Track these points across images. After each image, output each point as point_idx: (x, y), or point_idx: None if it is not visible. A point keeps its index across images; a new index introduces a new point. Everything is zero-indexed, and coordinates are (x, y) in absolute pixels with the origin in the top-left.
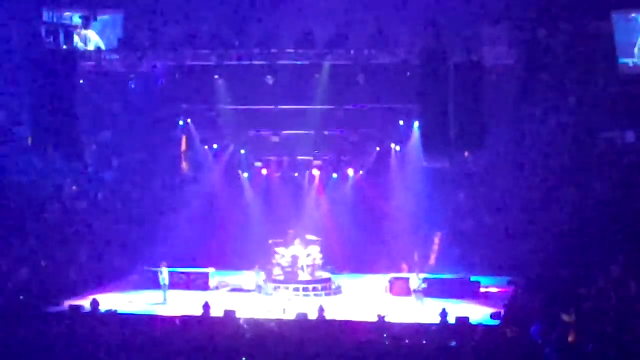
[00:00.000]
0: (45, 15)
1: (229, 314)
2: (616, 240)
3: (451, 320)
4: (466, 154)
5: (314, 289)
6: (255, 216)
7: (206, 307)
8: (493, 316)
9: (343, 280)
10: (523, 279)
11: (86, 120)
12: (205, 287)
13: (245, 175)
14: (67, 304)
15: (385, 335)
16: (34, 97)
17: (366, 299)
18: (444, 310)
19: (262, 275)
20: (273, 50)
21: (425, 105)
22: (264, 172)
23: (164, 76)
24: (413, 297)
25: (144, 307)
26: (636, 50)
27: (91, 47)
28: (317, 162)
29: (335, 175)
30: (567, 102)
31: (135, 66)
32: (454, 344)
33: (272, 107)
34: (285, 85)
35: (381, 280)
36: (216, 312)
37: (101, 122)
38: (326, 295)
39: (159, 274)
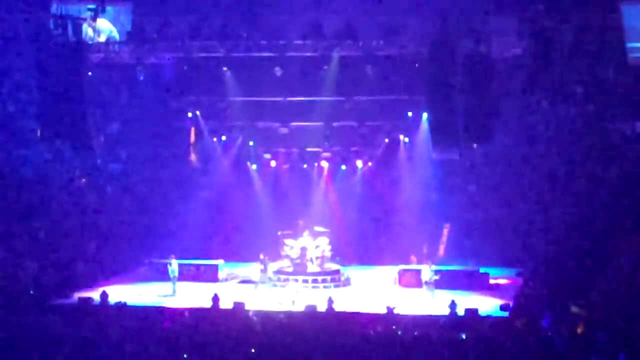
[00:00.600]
0: (54, 7)
1: (238, 306)
2: (626, 231)
3: (460, 311)
4: (475, 145)
5: (323, 281)
6: (263, 208)
7: (215, 298)
8: (502, 307)
9: (352, 272)
10: (532, 271)
11: (94, 112)
12: (214, 278)
13: (254, 166)
14: (77, 296)
15: (394, 327)
16: (42, 89)
17: (375, 290)
18: (453, 301)
19: (271, 266)
20: (281, 42)
21: (434, 97)
22: (273, 163)
23: (172, 68)
24: (424, 289)
25: (153, 299)
26: None
27: (103, 38)
28: (326, 154)
29: (343, 167)
30: (576, 93)
31: (144, 58)
32: (463, 335)
33: (281, 98)
34: (294, 77)
35: (390, 272)
36: (225, 303)
37: (109, 114)
38: (335, 286)
39: (168, 265)
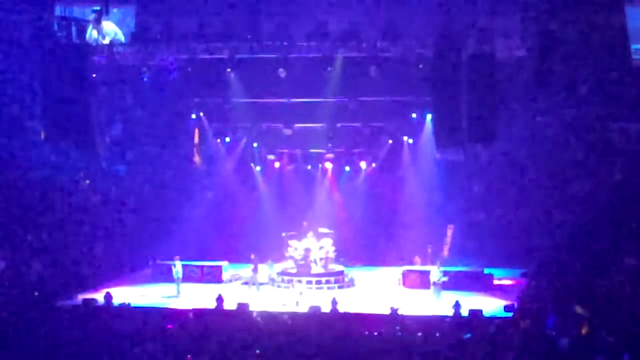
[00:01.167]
0: (58, 9)
1: (242, 307)
2: (630, 232)
3: (464, 312)
4: (479, 146)
5: (327, 282)
6: (267, 209)
7: (219, 299)
8: (506, 308)
9: (356, 273)
10: (536, 271)
11: (99, 113)
12: (218, 280)
13: (258, 168)
14: (81, 297)
15: (397, 328)
16: (46, 90)
17: (379, 291)
18: (457, 302)
19: (275, 267)
20: (285, 43)
21: (438, 98)
22: (277, 165)
23: (176, 69)
24: (431, 290)
25: (157, 300)
26: None
27: (107, 41)
28: (330, 155)
29: (347, 168)
30: (580, 93)
31: (148, 59)
32: (467, 336)
33: (285, 100)
34: (298, 78)
35: (394, 273)
36: (229, 304)
37: (114, 115)
38: (339, 287)
39: (172, 267)
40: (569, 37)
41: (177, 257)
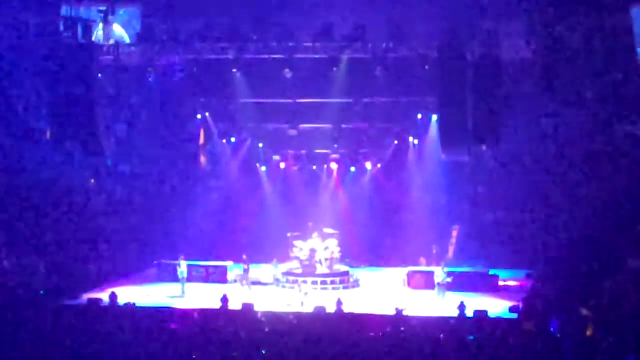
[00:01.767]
0: (64, 9)
1: (247, 307)
2: (635, 234)
3: (469, 313)
4: (484, 147)
5: (332, 282)
6: (272, 209)
7: (224, 300)
8: (511, 309)
9: (361, 273)
10: (541, 272)
11: (104, 113)
12: (223, 280)
13: (263, 168)
14: (86, 297)
15: (402, 329)
16: (52, 91)
17: (384, 292)
18: (461, 303)
19: (280, 267)
20: (291, 44)
21: (443, 99)
22: (282, 165)
23: (182, 70)
24: (435, 290)
25: (162, 300)
26: None
27: (113, 41)
28: (335, 155)
29: (352, 169)
30: (586, 96)
31: (153, 60)
32: (471, 337)
33: (290, 100)
34: (303, 79)
35: (399, 273)
36: (234, 305)
37: (119, 115)
38: (344, 288)
39: (177, 266)
40: (574, 39)
41: (182, 256)
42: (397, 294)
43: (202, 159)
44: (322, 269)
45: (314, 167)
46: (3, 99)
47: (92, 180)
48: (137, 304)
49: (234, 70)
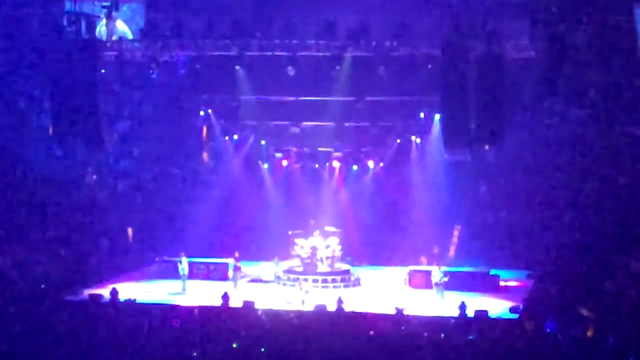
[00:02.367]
0: (67, 5)
1: (248, 305)
2: (636, 235)
3: (470, 313)
4: (486, 146)
5: (333, 281)
6: (274, 207)
7: (225, 297)
8: (512, 310)
9: (362, 272)
10: (542, 273)
11: (107, 109)
12: (224, 277)
13: (265, 166)
14: (87, 292)
15: (403, 328)
16: (55, 86)
17: (385, 291)
18: (462, 303)
19: (281, 265)
20: (294, 41)
21: (446, 98)
22: (284, 163)
23: (185, 66)
24: (434, 290)
25: (163, 296)
26: None
27: (116, 37)
28: (337, 154)
29: (355, 167)
30: (589, 95)
31: (157, 56)
32: (472, 337)
33: (293, 98)
34: (306, 77)
35: (400, 273)
36: (235, 302)
37: (122, 111)
38: (345, 286)
39: (178, 263)
40: (578, 39)
41: (183, 253)
42: (398, 293)
43: (205, 155)
44: (323, 267)
45: (316, 165)
46: (6, 94)
47: (94, 176)
48: (137, 301)
49: (237, 67)
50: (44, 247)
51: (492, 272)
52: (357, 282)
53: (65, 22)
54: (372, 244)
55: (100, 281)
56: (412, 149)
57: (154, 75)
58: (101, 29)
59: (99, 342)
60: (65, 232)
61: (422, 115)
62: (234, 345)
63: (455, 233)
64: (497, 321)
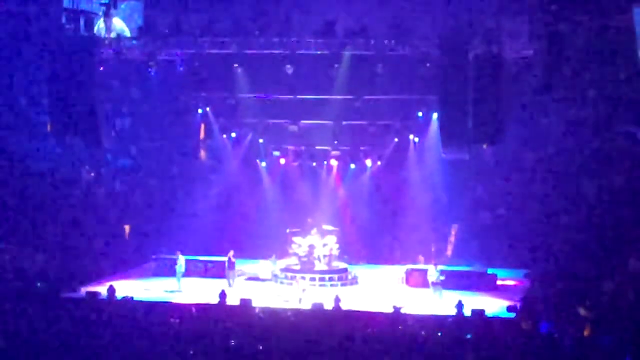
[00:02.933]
0: (66, 2)
1: (245, 303)
2: (634, 234)
3: (467, 312)
4: (484, 146)
5: (330, 279)
6: (272, 205)
7: (222, 295)
8: (509, 309)
9: (359, 271)
10: (540, 272)
11: (105, 107)
12: (221, 275)
13: (263, 164)
14: (84, 290)
15: (400, 327)
16: (53, 83)
17: (382, 289)
18: (459, 302)
19: (279, 264)
20: (293, 40)
21: (444, 97)
22: (282, 161)
23: (183, 64)
24: (430, 289)
25: (160, 294)
26: None
27: (114, 35)
28: (335, 152)
29: (353, 166)
30: (586, 95)
31: (155, 54)
32: (469, 336)
33: (291, 96)
34: (305, 75)
35: (397, 271)
36: (232, 300)
37: (120, 109)
38: (342, 285)
39: (176, 261)
40: (576, 39)
41: (179, 252)
42: (396, 291)
43: (202, 153)
44: (320, 265)
45: (314, 163)
46: (4, 91)
47: (92, 174)
48: (135, 298)
49: (236, 65)
50: (41, 245)
51: (490, 271)
52: (354, 281)
53: (63, 20)
54: (370, 243)
55: (98, 279)
56: (410, 148)
57: (152, 73)
58: (99, 27)
59: (97, 339)
60: (63, 229)
61: (420, 114)
62: (231, 343)
63: (453, 232)
64: (494, 320)
